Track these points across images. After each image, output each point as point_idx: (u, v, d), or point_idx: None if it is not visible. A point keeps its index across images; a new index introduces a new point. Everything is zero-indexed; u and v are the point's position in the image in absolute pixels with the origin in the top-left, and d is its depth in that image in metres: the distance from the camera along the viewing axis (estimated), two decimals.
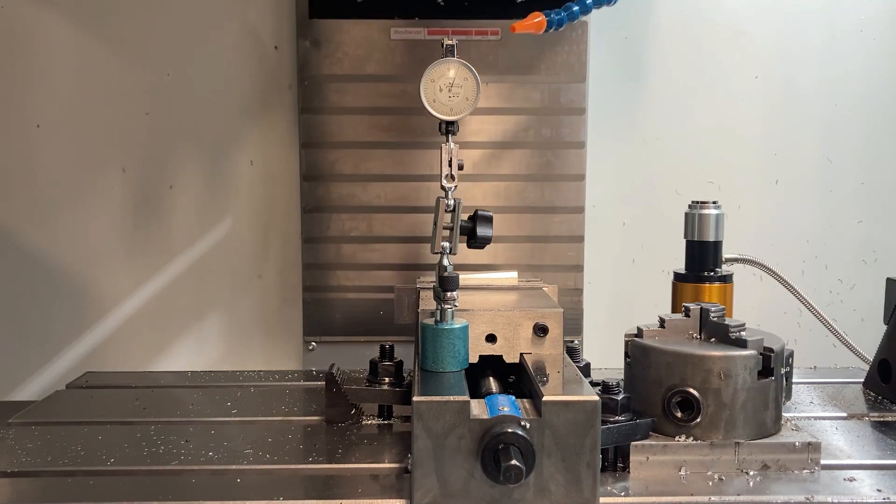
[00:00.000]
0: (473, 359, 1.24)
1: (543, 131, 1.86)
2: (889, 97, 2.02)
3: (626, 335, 1.26)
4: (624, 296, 2.05)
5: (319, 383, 1.51)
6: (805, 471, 1.13)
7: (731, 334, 1.18)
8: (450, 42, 1.39)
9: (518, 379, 1.27)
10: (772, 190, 2.04)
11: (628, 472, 1.13)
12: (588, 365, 1.35)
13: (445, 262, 1.28)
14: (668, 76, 2.01)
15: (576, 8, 1.52)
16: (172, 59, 1.95)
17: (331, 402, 1.34)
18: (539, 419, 1.03)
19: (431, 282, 1.42)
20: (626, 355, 1.24)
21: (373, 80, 1.85)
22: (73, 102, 1.95)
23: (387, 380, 1.35)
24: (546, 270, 1.87)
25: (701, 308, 1.24)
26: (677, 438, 1.14)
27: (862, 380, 1.56)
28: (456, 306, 1.22)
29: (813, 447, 1.14)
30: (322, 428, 1.33)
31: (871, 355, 1.55)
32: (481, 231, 1.36)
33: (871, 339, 1.57)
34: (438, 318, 1.21)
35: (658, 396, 1.17)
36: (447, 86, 1.36)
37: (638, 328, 1.25)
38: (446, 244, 1.30)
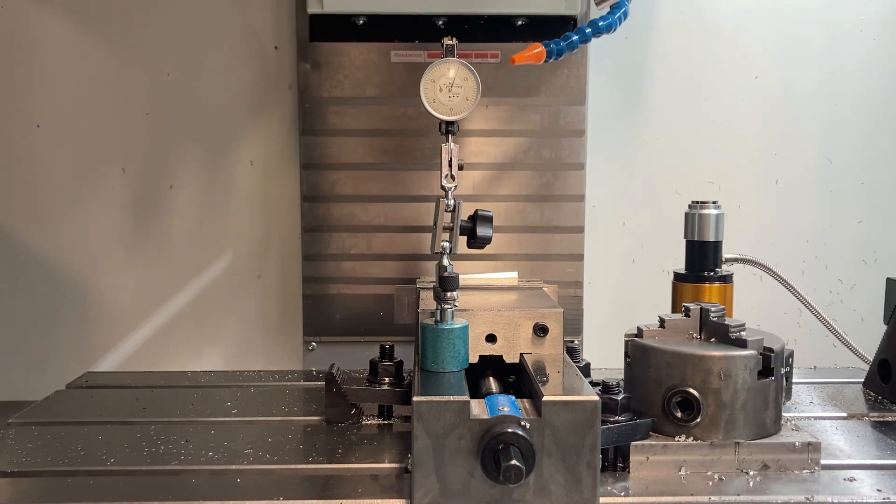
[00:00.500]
0: (473, 359, 1.24)
1: (543, 153, 1.87)
2: (889, 97, 2.02)
3: (626, 335, 1.26)
4: (624, 296, 2.05)
5: (319, 383, 1.51)
6: (805, 471, 1.13)
7: (731, 334, 1.18)
8: (450, 42, 1.39)
9: (518, 379, 1.27)
10: (772, 190, 2.04)
11: (628, 472, 1.13)
12: (588, 365, 1.35)
13: (445, 262, 1.28)
14: (668, 76, 2.01)
15: (575, 37, 1.53)
16: (172, 59, 1.95)
17: (331, 402, 1.34)
18: (539, 419, 1.03)
19: (431, 282, 1.42)
20: (626, 355, 1.24)
21: (373, 103, 1.86)
22: (73, 102, 1.95)
23: (387, 380, 1.35)
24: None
25: (701, 308, 1.24)
26: (677, 438, 1.14)
27: (862, 380, 1.56)
28: (456, 306, 1.22)
29: (813, 447, 1.14)
30: (322, 428, 1.33)
31: (871, 355, 1.55)
32: (481, 231, 1.36)
33: (871, 339, 1.57)
34: (438, 318, 1.21)
35: (658, 396, 1.17)
36: (447, 86, 1.36)
37: (638, 328, 1.25)
38: (446, 244, 1.30)
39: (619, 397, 1.14)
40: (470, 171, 1.84)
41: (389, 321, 1.67)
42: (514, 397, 1.09)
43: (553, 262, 1.88)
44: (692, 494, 1.07)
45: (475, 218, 1.36)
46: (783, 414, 1.20)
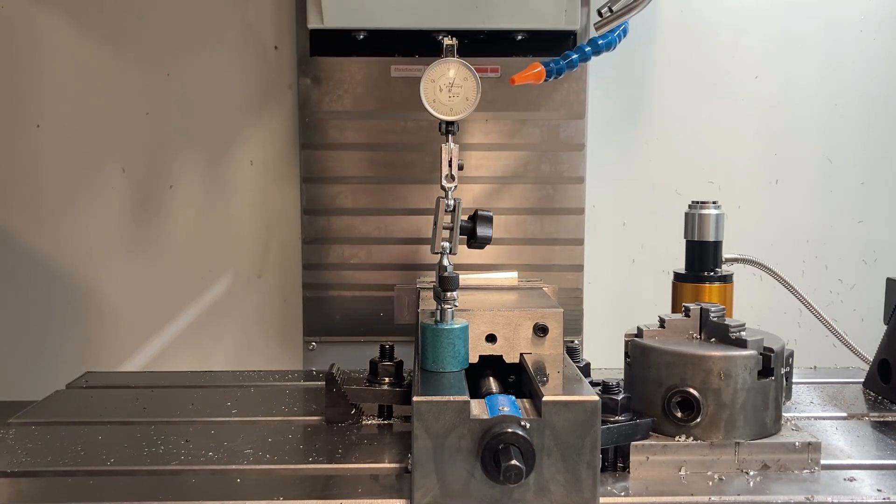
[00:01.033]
0: (473, 359, 1.24)
1: (543, 167, 1.88)
2: (889, 97, 2.02)
3: (626, 335, 1.26)
4: (624, 296, 2.05)
5: (319, 383, 1.51)
6: (805, 471, 1.13)
7: (731, 334, 1.18)
8: (450, 42, 1.39)
9: (518, 379, 1.27)
10: (772, 190, 2.04)
11: (628, 472, 1.13)
12: (588, 365, 1.35)
13: (445, 262, 1.28)
14: (668, 76, 2.01)
15: (574, 56, 1.53)
16: (172, 59, 1.95)
17: (331, 402, 1.34)
18: (539, 419, 1.03)
19: (431, 282, 1.42)
20: (626, 355, 1.24)
21: (373, 117, 1.87)
22: (73, 102, 1.95)
23: (387, 380, 1.35)
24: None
25: (701, 308, 1.24)
26: (677, 438, 1.14)
27: (862, 380, 1.56)
28: (456, 306, 1.21)
29: (813, 447, 1.14)
30: (322, 428, 1.33)
31: (871, 355, 1.55)
32: (481, 231, 1.35)
33: (871, 339, 1.57)
34: (438, 318, 1.21)
35: (658, 396, 1.17)
36: (447, 86, 1.36)
37: (638, 328, 1.25)
38: (446, 244, 1.30)
39: (619, 397, 1.14)
40: (470, 184, 1.85)
41: (389, 321, 1.67)
42: (514, 397, 1.08)
43: (553, 273, 1.89)
44: (692, 494, 1.07)
45: (475, 218, 1.36)
46: (783, 414, 1.20)
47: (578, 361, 1.31)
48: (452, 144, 1.37)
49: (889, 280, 1.54)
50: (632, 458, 1.13)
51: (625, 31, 1.55)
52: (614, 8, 1.41)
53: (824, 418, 1.38)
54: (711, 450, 1.13)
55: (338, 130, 1.87)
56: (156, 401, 1.50)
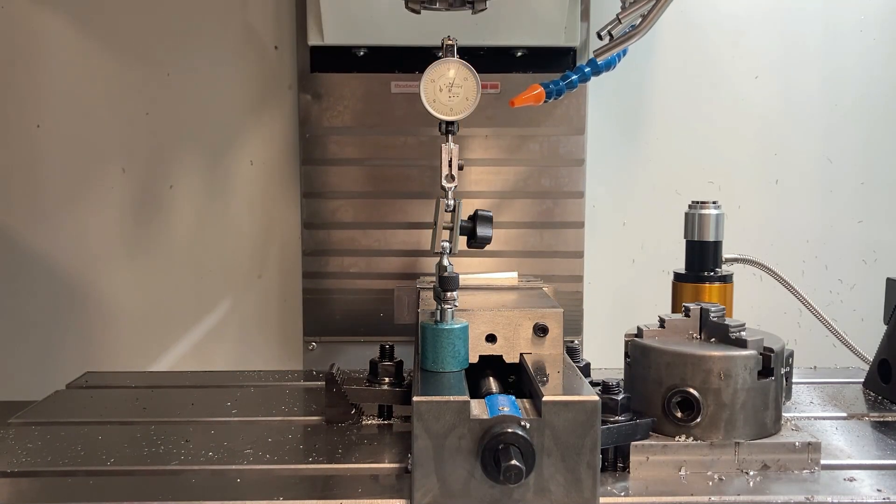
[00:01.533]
0: (473, 359, 1.24)
1: (543, 181, 1.88)
2: (889, 97, 2.02)
3: (626, 335, 1.26)
4: (624, 296, 2.04)
5: (319, 383, 1.51)
6: (805, 471, 1.13)
7: (731, 334, 1.18)
8: (450, 42, 1.39)
9: (518, 379, 1.27)
10: (772, 190, 2.04)
11: (628, 472, 1.13)
12: (588, 365, 1.35)
13: (445, 262, 1.28)
14: (668, 76, 2.01)
15: (574, 77, 1.53)
16: (172, 59, 1.95)
17: (331, 402, 1.34)
18: (539, 419, 1.03)
19: (431, 282, 1.42)
20: (626, 355, 1.24)
21: (373, 133, 1.87)
22: (73, 102, 1.95)
23: (387, 380, 1.35)
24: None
25: (701, 308, 1.24)
26: (677, 438, 1.14)
27: (862, 380, 1.56)
28: (456, 306, 1.21)
29: (813, 447, 1.14)
30: (322, 428, 1.33)
31: (871, 355, 1.55)
32: (481, 231, 1.35)
33: (871, 339, 1.57)
34: (438, 318, 1.21)
35: (658, 396, 1.17)
36: (447, 86, 1.35)
37: (638, 328, 1.25)
38: (446, 244, 1.30)
39: (619, 397, 1.14)
40: (471, 199, 1.85)
41: (389, 321, 1.67)
42: (514, 397, 1.09)
43: (552, 283, 1.89)
44: (692, 494, 1.07)
45: (475, 218, 1.36)
46: (783, 414, 1.20)
47: (578, 361, 1.31)
48: (452, 144, 1.37)
49: (889, 280, 1.54)
50: (632, 458, 1.13)
51: (624, 51, 1.55)
52: (614, 33, 1.41)
53: (824, 418, 1.38)
54: (711, 450, 1.13)
55: (338, 146, 1.88)
56: (156, 401, 1.50)
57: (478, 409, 1.06)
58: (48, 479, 1.14)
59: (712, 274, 1.54)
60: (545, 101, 1.51)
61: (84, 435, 1.30)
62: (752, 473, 1.13)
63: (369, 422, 1.35)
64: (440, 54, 1.34)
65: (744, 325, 1.21)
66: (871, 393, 1.52)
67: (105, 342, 2.02)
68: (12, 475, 1.15)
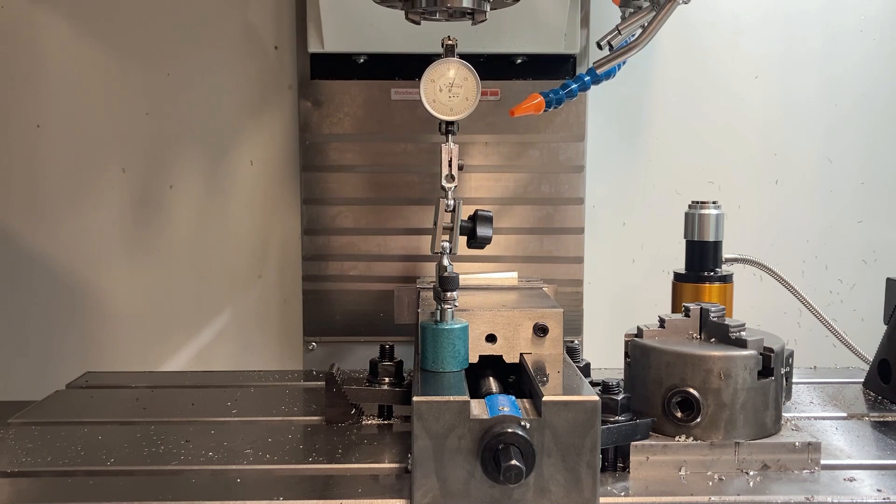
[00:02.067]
0: (473, 359, 1.24)
1: (543, 188, 1.89)
2: (889, 97, 2.02)
3: (626, 335, 1.26)
4: (624, 296, 2.04)
5: (319, 383, 1.51)
6: (805, 471, 1.13)
7: (731, 334, 1.18)
8: (450, 42, 1.39)
9: (518, 379, 1.27)
10: (772, 190, 2.04)
11: (628, 472, 1.13)
12: (588, 365, 1.35)
13: (445, 262, 1.28)
14: (668, 76, 2.01)
15: (574, 86, 1.53)
16: (172, 59, 1.95)
17: (331, 402, 1.34)
18: (539, 419, 1.03)
19: (431, 282, 1.42)
20: (626, 355, 1.24)
21: (373, 140, 1.87)
22: (73, 102, 1.95)
23: (387, 380, 1.35)
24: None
25: (701, 308, 1.24)
26: (677, 438, 1.14)
27: (862, 380, 1.56)
28: (456, 306, 1.21)
29: (813, 447, 1.14)
30: (322, 428, 1.33)
31: (871, 355, 1.55)
32: (481, 231, 1.35)
33: (871, 339, 1.57)
34: (438, 318, 1.21)
35: (658, 396, 1.17)
36: (447, 86, 1.35)
37: (638, 328, 1.25)
38: (446, 244, 1.30)
39: (619, 397, 1.14)
40: (471, 205, 1.84)
41: (389, 321, 1.67)
42: (514, 397, 1.08)
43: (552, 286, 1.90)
44: (692, 494, 1.07)
45: (475, 218, 1.36)
46: (783, 414, 1.20)
47: (578, 361, 1.31)
48: (452, 144, 1.37)
49: (889, 280, 1.54)
50: (632, 458, 1.13)
51: (624, 60, 1.55)
52: (613, 43, 1.42)
53: (824, 418, 1.38)
54: (711, 450, 1.13)
55: (338, 153, 1.88)
56: (156, 401, 1.50)
57: (478, 409, 1.06)
58: (48, 479, 1.14)
59: (712, 274, 1.54)
60: (545, 111, 1.51)
61: (84, 435, 1.30)
62: (752, 473, 1.13)
63: (369, 422, 1.35)
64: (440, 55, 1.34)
65: (744, 325, 1.21)
66: (871, 393, 1.52)
67: (105, 342, 2.02)
68: (12, 475, 1.15)
